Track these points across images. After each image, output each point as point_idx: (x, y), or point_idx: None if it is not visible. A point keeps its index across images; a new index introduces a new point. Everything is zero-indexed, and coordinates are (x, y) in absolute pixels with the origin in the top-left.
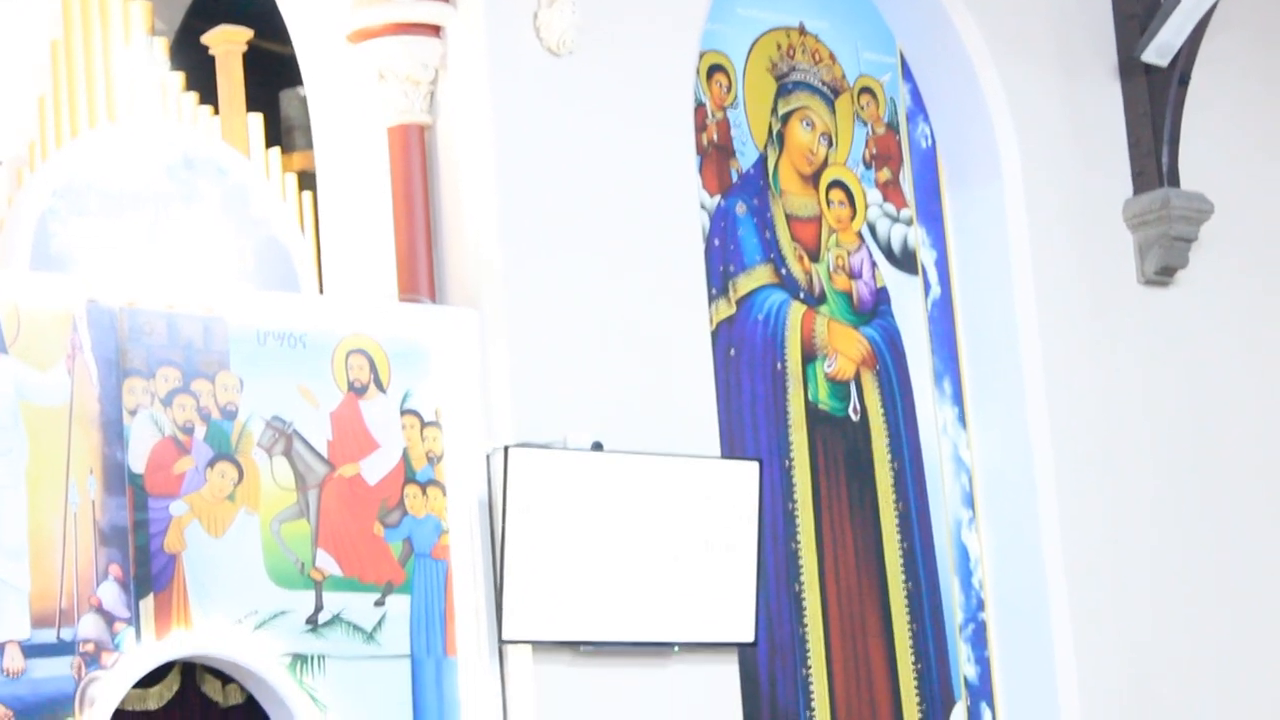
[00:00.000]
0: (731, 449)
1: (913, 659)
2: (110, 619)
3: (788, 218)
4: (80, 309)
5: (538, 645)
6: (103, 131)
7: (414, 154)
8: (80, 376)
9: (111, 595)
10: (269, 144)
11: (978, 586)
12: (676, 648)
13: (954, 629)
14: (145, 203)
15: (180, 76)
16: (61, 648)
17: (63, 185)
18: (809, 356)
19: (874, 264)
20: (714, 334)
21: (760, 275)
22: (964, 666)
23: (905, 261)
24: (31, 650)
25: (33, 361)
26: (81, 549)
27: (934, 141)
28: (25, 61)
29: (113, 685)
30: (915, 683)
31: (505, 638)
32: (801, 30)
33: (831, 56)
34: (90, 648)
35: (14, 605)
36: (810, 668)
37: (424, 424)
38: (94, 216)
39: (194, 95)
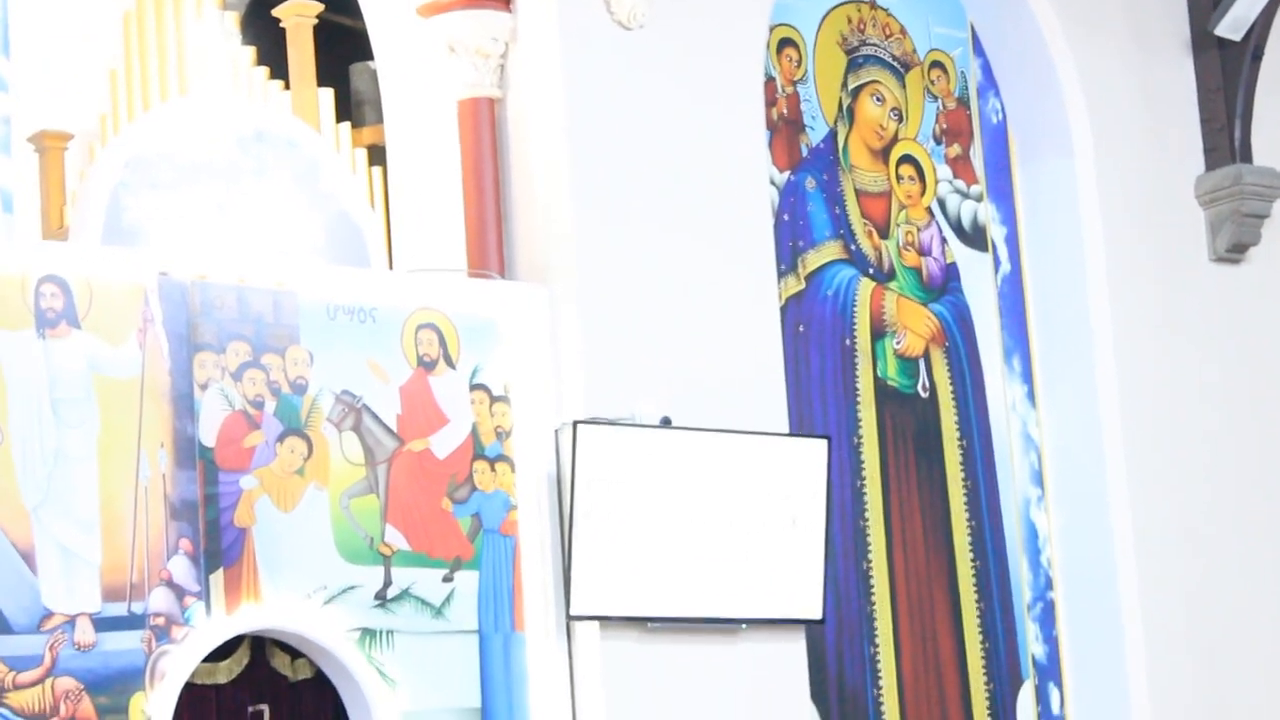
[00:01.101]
0: (800, 425)
1: (980, 637)
2: (180, 593)
3: (857, 193)
4: (152, 282)
5: (605, 621)
6: (174, 105)
7: (484, 128)
8: (152, 350)
9: (182, 569)
10: (339, 118)
11: (1046, 565)
12: (744, 624)
13: (1022, 608)
14: (216, 176)
15: (251, 50)
16: (132, 621)
17: (134, 158)
18: (878, 333)
19: (944, 240)
20: (783, 310)
21: (829, 251)
22: (1032, 645)
23: (975, 237)
24: (102, 624)
25: (105, 335)
26: (152, 523)
27: (1005, 116)
28: (97, 34)
29: (182, 659)
30: (983, 661)
31: (573, 613)
32: (872, 4)
33: (902, 30)
34: (160, 621)
35: (85, 579)
36: (878, 645)
37: (493, 399)
38: (165, 189)
39: (265, 69)
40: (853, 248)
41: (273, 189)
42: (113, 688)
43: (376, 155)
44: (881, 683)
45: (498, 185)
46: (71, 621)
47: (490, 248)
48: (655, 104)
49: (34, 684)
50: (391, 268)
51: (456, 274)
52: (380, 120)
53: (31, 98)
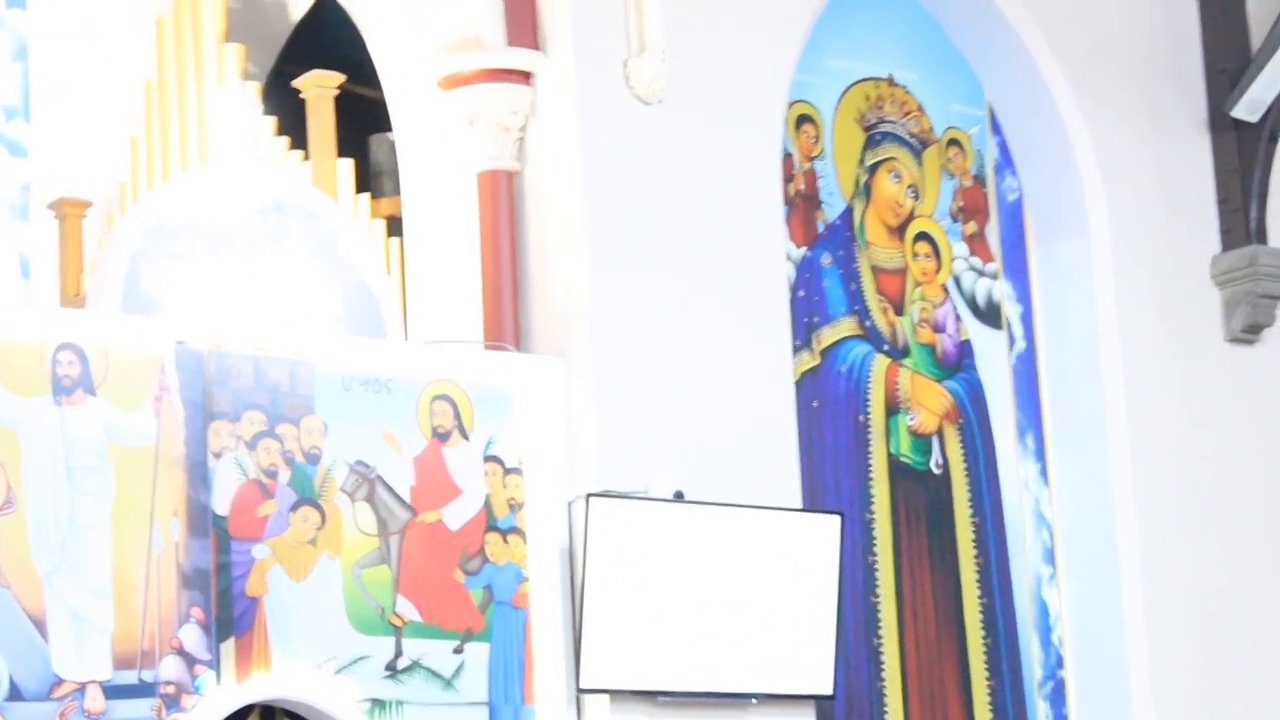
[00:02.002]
0: (813, 501)
1: (991, 715)
2: (191, 661)
3: (873, 270)
4: (169, 351)
5: (616, 694)
6: (194, 174)
7: (502, 200)
8: (167, 418)
9: (193, 638)
10: (358, 189)
11: (1057, 643)
12: (754, 699)
13: (1033, 686)
14: (235, 245)
15: (272, 120)
16: (142, 689)
17: (153, 227)
18: (892, 409)
19: (958, 317)
20: (797, 385)
21: (844, 327)
22: None
23: (990, 315)
24: (113, 691)
25: (121, 402)
26: (164, 591)
27: (1021, 195)
28: (118, 102)
29: None
30: None
31: (583, 686)
32: (890, 81)
33: (920, 108)
34: (171, 690)
35: (97, 646)
36: None
37: (506, 471)
38: (184, 258)
39: (285, 139)
40: (868, 324)
41: (291, 259)
42: None
43: (394, 226)
44: None
45: (515, 258)
46: (82, 689)
47: (506, 320)
48: (673, 179)
49: None
50: (407, 338)
51: (472, 346)
52: (399, 191)
53: (51, 164)
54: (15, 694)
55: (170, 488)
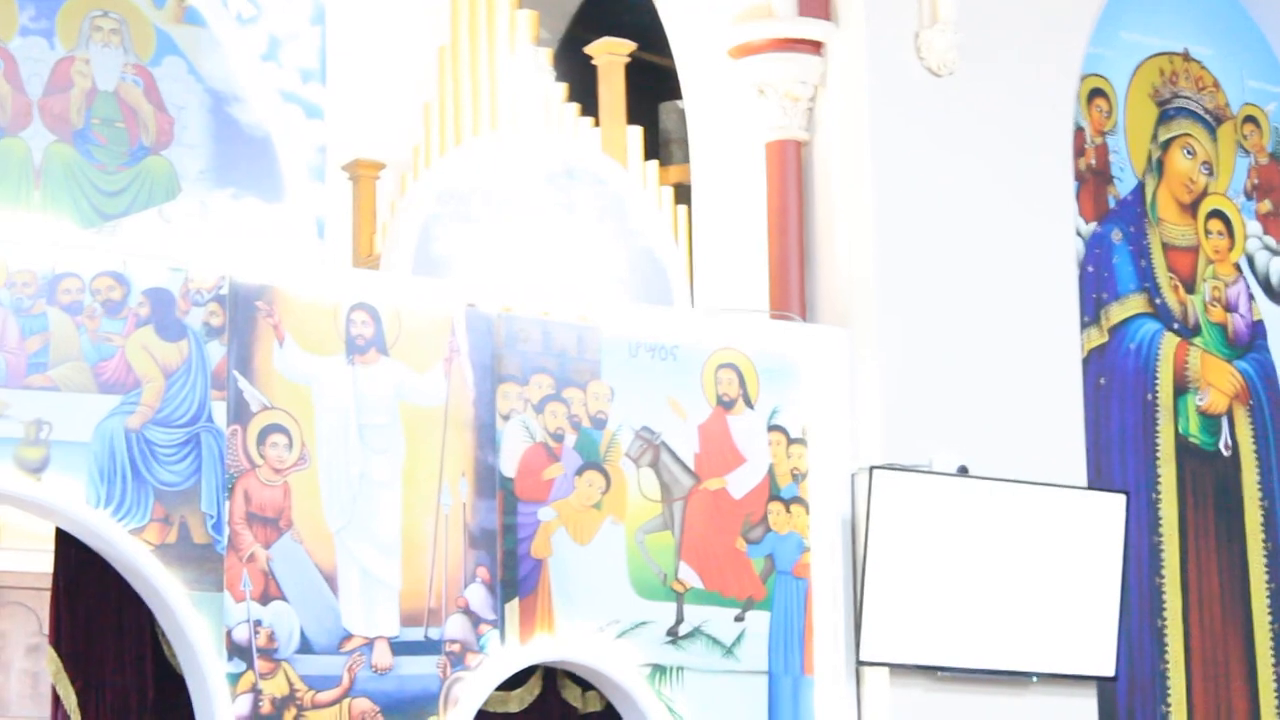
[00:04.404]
0: (1098, 479)
1: (1276, 701)
2: (476, 620)
3: (1164, 246)
4: (459, 313)
5: (895, 668)
6: (486, 139)
7: (790, 170)
8: (456, 380)
9: (479, 597)
10: (647, 156)
11: None
12: (1035, 678)
13: None
14: (525, 210)
15: (563, 87)
16: (428, 646)
17: (446, 190)
18: (1180, 389)
19: (1251, 297)
20: (1084, 362)
21: (1134, 304)
22: None
23: None
24: (400, 648)
25: (412, 363)
26: (451, 550)
27: None
28: (412, 67)
29: (476, 686)
30: None
31: (863, 659)
32: (1185, 56)
33: (1215, 83)
34: (456, 648)
35: (385, 603)
36: (1170, 706)
37: (790, 441)
38: (475, 222)
39: (576, 106)
40: (1158, 302)
41: (580, 224)
42: (407, 712)
43: (682, 194)
44: None
45: (801, 227)
46: (370, 644)
47: (792, 289)
48: (962, 151)
49: (332, 704)
50: (694, 306)
51: (758, 315)
52: (687, 159)
53: (346, 127)
54: (305, 647)
55: (459, 448)
